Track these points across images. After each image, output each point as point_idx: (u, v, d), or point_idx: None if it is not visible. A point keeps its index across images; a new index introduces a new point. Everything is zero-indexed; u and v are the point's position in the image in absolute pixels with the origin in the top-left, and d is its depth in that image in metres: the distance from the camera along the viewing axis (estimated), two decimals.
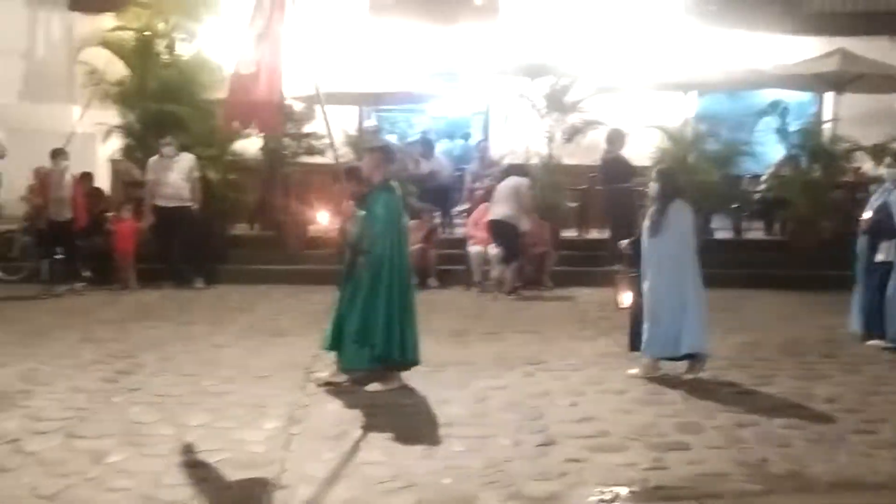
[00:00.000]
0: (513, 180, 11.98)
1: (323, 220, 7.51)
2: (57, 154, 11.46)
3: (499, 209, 11.82)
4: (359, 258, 6.68)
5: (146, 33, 13.27)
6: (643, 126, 13.22)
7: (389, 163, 7.03)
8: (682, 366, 7.19)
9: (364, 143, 12.35)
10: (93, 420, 5.91)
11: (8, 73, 14.53)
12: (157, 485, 4.74)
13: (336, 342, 6.83)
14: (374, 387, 6.74)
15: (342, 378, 6.84)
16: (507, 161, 13.48)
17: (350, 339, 6.68)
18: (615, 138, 12.67)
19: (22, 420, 5.86)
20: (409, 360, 6.81)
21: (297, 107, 12.78)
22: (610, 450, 5.41)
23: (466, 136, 17.45)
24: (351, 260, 6.79)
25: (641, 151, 12.66)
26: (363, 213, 6.71)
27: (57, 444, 5.39)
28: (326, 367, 7.04)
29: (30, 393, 6.55)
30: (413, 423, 5.92)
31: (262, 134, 11.17)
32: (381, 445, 5.46)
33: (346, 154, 12.85)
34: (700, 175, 12.68)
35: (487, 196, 12.51)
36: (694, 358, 7.12)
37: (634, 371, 7.23)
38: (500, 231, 11.79)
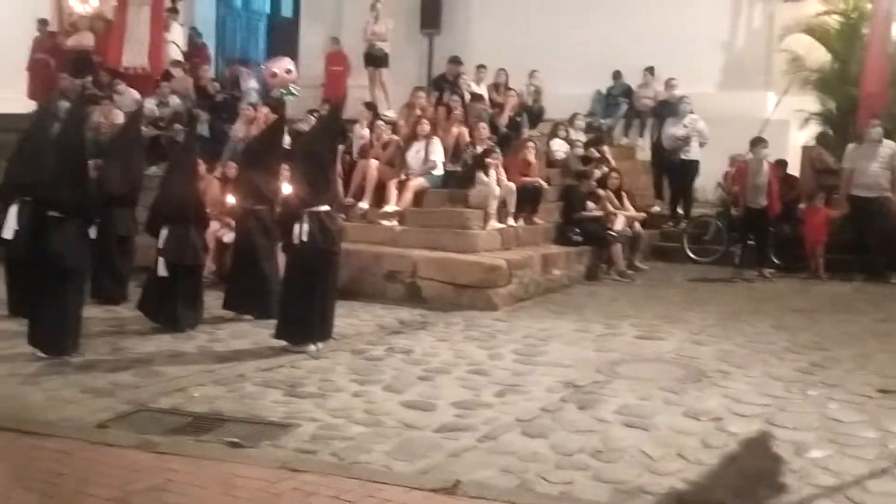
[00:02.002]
0: None
1: None
2: (757, 142, 11.77)
3: None
4: None
5: (852, 16, 12.84)
6: None
7: None
8: None
9: None
10: (790, 410, 5.92)
11: (708, 62, 15.30)
12: (862, 489, 4.56)
13: None
14: None
15: None
16: None
17: None
18: None
19: (722, 400, 6.15)
20: None
21: None
22: None
23: None
24: None
25: None
26: None
27: (756, 430, 5.54)
28: None
29: (727, 374, 6.85)
30: None
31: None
32: None
33: None
34: None
35: None
36: None
37: None
38: None
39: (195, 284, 8.38)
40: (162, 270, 8.11)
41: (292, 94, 15.63)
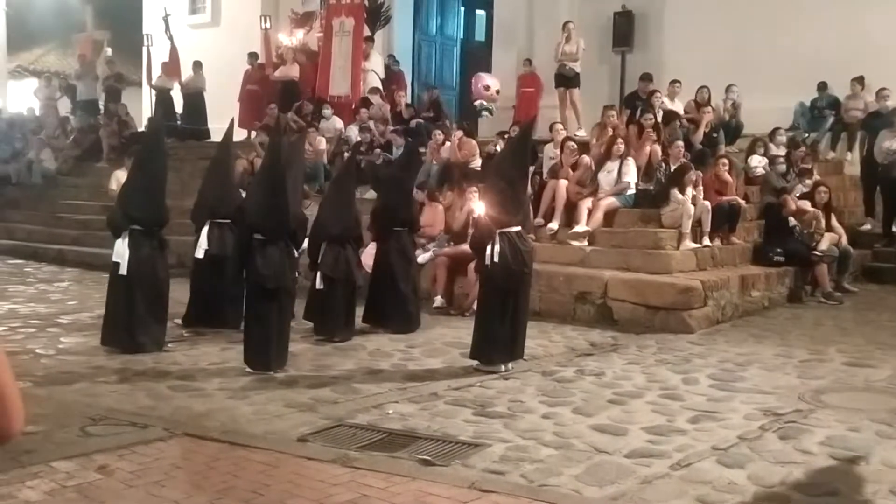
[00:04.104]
0: None
1: None
2: None
3: None
4: None
5: None
6: None
7: None
8: None
9: None
10: None
11: None
12: None
13: None
14: None
15: None
16: None
17: None
18: None
19: None
20: None
21: None
22: None
23: None
24: None
25: None
26: None
27: None
28: None
29: None
30: None
31: None
32: None
33: None
34: None
35: None
36: None
37: None
38: None
39: (349, 298, 8.88)
40: (319, 284, 8.71)
41: (487, 110, 15.99)
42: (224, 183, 9.31)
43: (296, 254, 7.99)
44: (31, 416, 5.60)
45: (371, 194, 12.29)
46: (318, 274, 8.74)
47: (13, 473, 4.75)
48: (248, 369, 7.38)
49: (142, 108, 21.15)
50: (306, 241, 8.81)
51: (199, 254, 9.04)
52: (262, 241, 7.47)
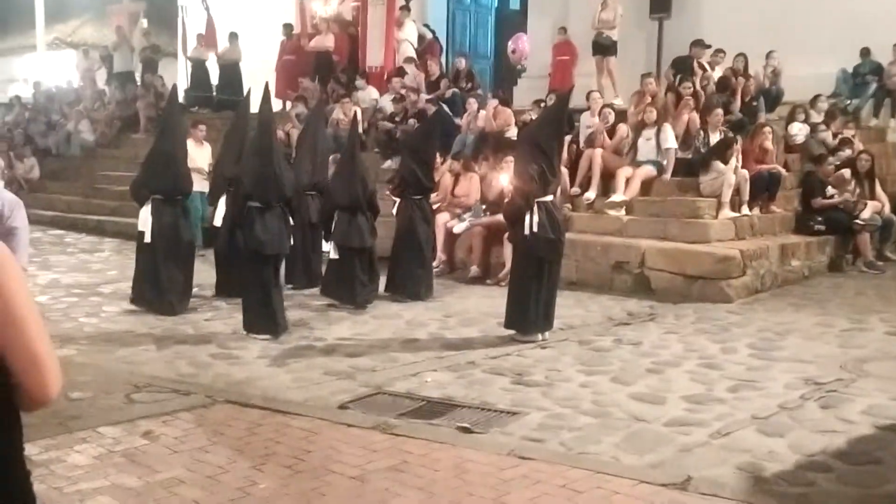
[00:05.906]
0: None
1: None
2: None
3: None
4: None
5: None
6: None
7: None
8: None
9: None
10: None
11: None
12: None
13: None
14: None
15: None
16: None
17: None
18: None
19: None
20: None
21: None
22: None
23: None
24: None
25: None
26: None
27: None
28: None
29: None
30: None
31: None
32: None
33: None
34: None
35: None
36: None
37: None
38: None
39: (367, 264, 8.94)
40: (333, 253, 8.87)
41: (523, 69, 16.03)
42: (241, 154, 9.34)
43: (291, 221, 8.00)
44: (77, 383, 5.76)
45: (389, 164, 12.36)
46: (332, 243, 8.87)
47: (61, 438, 4.86)
48: (254, 335, 7.51)
49: (177, 80, 21.22)
50: None
51: (218, 221, 9.22)
52: (259, 209, 7.57)
